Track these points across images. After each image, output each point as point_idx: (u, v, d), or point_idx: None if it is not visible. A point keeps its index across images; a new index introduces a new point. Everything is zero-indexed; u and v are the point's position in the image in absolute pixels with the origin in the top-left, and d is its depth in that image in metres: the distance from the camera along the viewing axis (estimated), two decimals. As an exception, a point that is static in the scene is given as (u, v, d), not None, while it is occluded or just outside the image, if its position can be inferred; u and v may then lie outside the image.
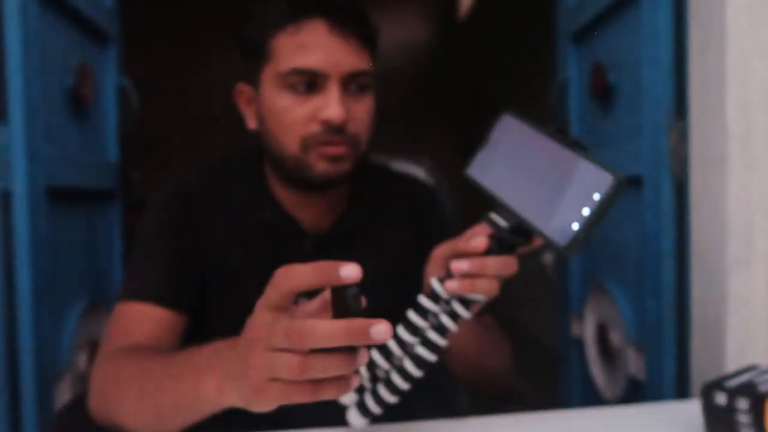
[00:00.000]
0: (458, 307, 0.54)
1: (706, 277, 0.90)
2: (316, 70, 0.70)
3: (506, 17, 3.89)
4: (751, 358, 0.83)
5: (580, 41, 1.34)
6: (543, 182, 0.49)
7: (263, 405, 0.42)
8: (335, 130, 0.71)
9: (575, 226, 0.45)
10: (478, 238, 0.54)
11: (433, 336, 0.54)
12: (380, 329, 0.37)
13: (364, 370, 0.54)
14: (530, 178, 0.51)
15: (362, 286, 0.39)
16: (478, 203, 0.90)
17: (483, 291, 0.53)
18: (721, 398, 0.55)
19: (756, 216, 0.84)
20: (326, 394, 0.41)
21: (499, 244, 0.53)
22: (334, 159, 0.72)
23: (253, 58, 0.75)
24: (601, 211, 0.44)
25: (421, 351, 0.54)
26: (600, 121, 1.24)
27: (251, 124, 0.79)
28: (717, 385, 0.56)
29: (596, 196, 0.44)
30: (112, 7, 1.33)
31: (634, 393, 1.10)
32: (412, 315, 0.54)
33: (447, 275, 0.55)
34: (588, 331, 1.29)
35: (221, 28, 3.67)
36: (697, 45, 0.92)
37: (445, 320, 0.54)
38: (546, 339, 2.89)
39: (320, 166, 0.72)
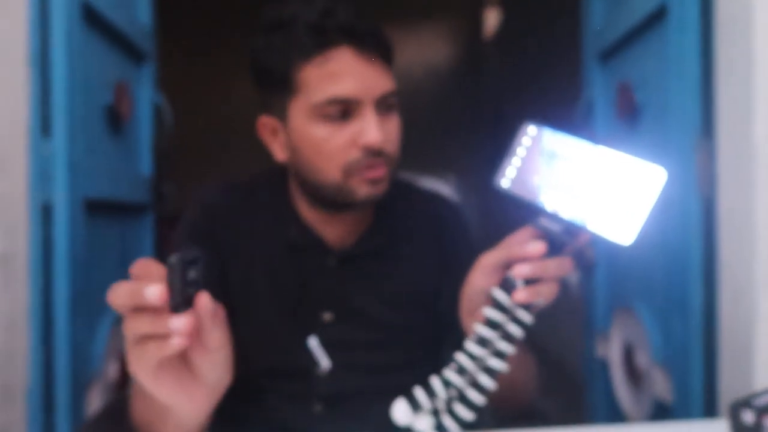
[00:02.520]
0: (523, 314, 0.55)
1: (735, 296, 0.89)
2: (350, 97, 0.70)
3: (532, 36, 3.91)
4: (781, 379, 0.82)
5: (606, 61, 1.35)
6: (588, 182, 0.51)
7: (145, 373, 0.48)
8: (376, 154, 0.72)
9: (630, 220, 0.47)
10: (535, 242, 0.54)
11: (502, 346, 0.54)
12: (151, 290, 0.43)
13: (442, 391, 0.55)
14: (573, 181, 0.52)
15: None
16: (501, 217, 0.90)
17: (546, 295, 0.54)
18: (748, 416, 0.54)
19: (785, 236, 0.83)
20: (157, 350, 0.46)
21: (551, 247, 0.54)
22: (375, 182, 0.73)
23: (277, 90, 0.74)
24: (652, 203, 0.47)
25: (494, 362, 0.54)
26: (626, 140, 1.24)
27: (279, 155, 0.78)
28: (744, 403, 0.56)
29: (646, 189, 0.48)
30: (148, 26, 1.38)
31: (661, 415, 1.09)
32: (480, 328, 0.55)
33: (504, 282, 0.55)
34: (614, 352, 1.28)
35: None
36: (725, 64, 0.92)
37: (513, 329, 0.54)
38: (568, 359, 2.85)
39: (363, 190, 0.73)
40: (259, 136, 0.80)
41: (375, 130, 0.70)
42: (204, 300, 0.46)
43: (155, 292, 0.43)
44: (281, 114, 0.75)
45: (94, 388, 1.08)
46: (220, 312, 0.50)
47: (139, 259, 0.48)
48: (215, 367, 0.51)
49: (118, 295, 0.45)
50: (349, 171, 0.72)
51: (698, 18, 0.97)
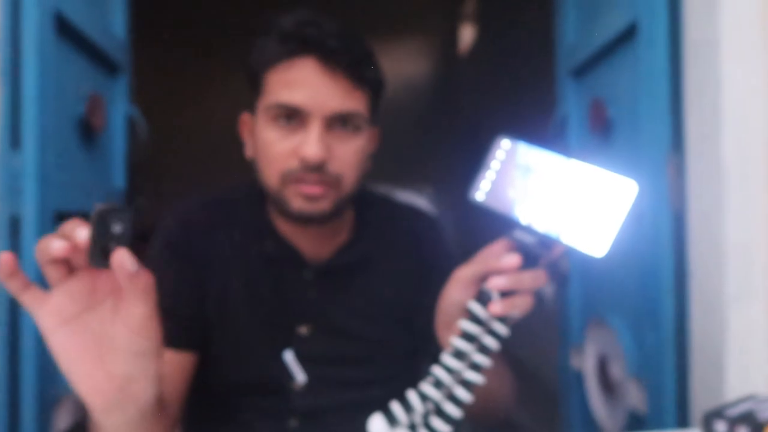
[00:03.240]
0: (499, 326, 0.55)
1: (705, 308, 0.91)
2: (297, 106, 0.71)
3: (507, 52, 3.97)
4: (751, 387, 0.84)
5: (580, 77, 1.38)
6: (562, 195, 0.52)
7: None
8: (312, 168, 0.71)
9: (602, 232, 0.48)
10: (510, 255, 0.55)
11: (479, 358, 0.54)
12: (82, 229, 0.45)
13: (419, 404, 0.54)
14: (547, 194, 0.53)
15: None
16: (479, 230, 0.91)
17: (521, 307, 0.54)
18: (721, 427, 0.55)
19: (753, 248, 0.85)
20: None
21: (525, 259, 0.55)
22: (309, 198, 0.72)
23: (253, 90, 0.77)
24: (624, 215, 0.48)
25: (470, 375, 0.54)
26: (599, 156, 1.26)
27: (248, 152, 0.80)
28: (717, 413, 0.56)
29: (618, 201, 0.48)
30: (122, 38, 1.37)
31: (635, 426, 1.09)
32: (457, 341, 0.55)
33: (480, 295, 0.56)
34: (588, 364, 1.29)
35: (227, 58, 3.73)
36: (693, 82, 0.94)
37: (489, 341, 0.55)
38: (543, 371, 2.87)
39: (296, 203, 0.73)
40: (239, 131, 0.82)
41: (314, 145, 0.70)
42: (120, 255, 0.44)
43: (84, 232, 0.44)
44: (254, 113, 0.77)
45: (62, 406, 1.06)
46: (145, 280, 0.47)
47: None
48: (129, 357, 0.49)
49: (66, 224, 0.46)
50: (284, 180, 0.73)
51: (667, 37, 0.99)
